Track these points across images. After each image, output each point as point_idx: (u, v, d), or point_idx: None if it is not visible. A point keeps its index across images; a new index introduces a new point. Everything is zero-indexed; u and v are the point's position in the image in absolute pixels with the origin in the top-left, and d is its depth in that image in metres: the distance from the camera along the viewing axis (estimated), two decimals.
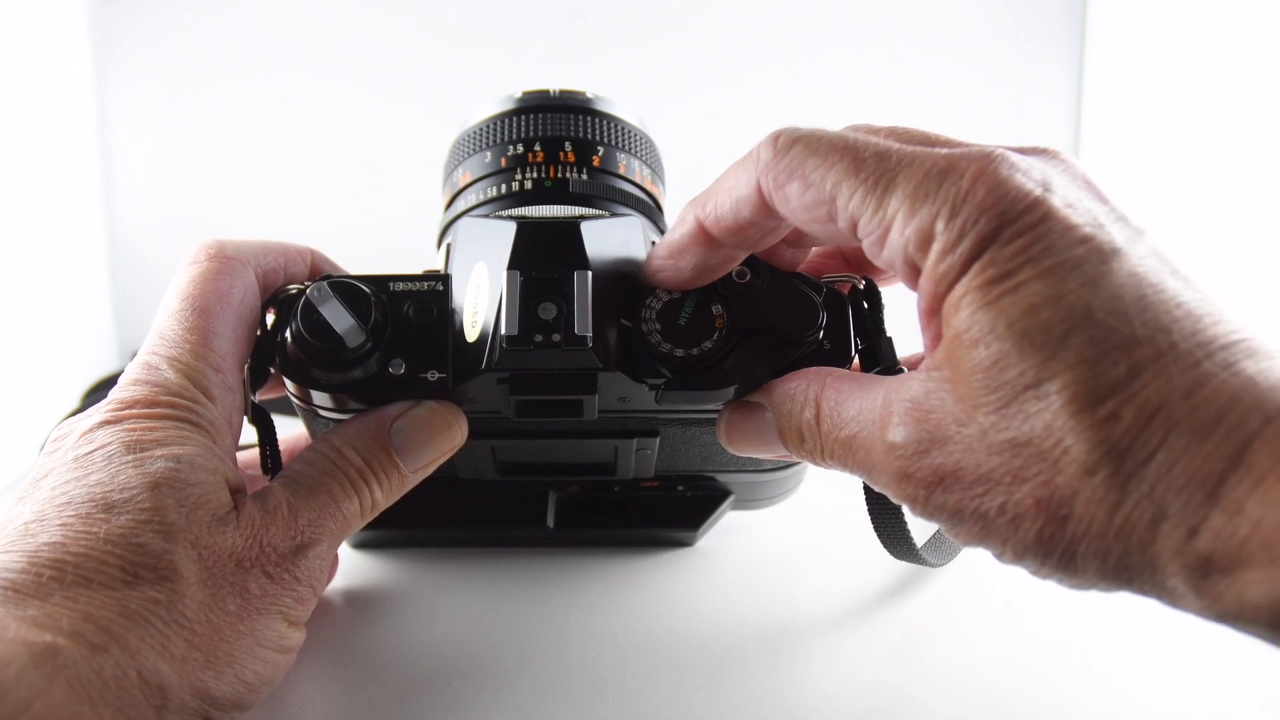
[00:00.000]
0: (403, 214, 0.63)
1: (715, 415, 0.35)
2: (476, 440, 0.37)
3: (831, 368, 0.32)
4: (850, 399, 0.30)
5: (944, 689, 0.36)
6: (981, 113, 0.69)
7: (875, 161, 0.28)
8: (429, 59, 0.69)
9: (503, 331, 0.32)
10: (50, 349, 0.63)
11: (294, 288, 0.35)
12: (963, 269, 0.26)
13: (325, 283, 0.33)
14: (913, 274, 0.28)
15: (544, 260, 0.33)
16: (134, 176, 0.71)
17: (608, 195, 0.39)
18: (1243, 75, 0.49)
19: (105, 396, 0.32)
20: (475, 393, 0.34)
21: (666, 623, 0.41)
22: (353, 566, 0.45)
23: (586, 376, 0.33)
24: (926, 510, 0.28)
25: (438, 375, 0.33)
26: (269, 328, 0.34)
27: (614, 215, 0.38)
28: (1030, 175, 0.27)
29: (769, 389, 0.33)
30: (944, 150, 0.28)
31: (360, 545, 0.46)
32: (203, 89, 0.70)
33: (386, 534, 0.46)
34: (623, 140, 0.41)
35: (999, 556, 0.27)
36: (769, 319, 0.33)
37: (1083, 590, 0.27)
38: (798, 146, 0.30)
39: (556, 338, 0.32)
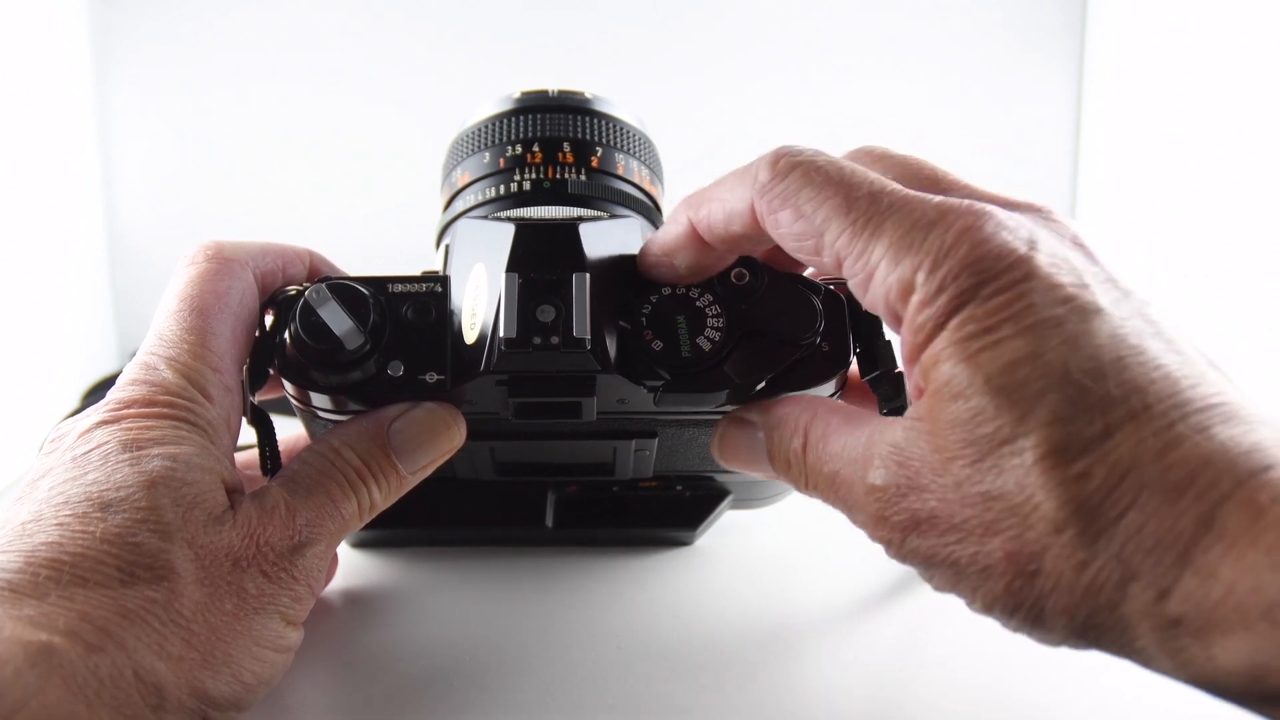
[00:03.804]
0: (402, 214, 0.63)
1: (714, 416, 0.35)
2: (475, 441, 0.37)
3: (825, 398, 0.33)
4: (836, 434, 0.30)
5: (945, 687, 0.36)
6: (982, 114, 0.69)
7: (867, 203, 0.29)
8: (428, 59, 0.69)
9: (501, 334, 0.32)
10: (50, 349, 0.63)
11: (292, 289, 0.35)
12: (941, 322, 0.27)
13: (324, 285, 0.33)
14: (895, 321, 0.29)
15: (542, 262, 0.33)
16: (134, 176, 0.71)
17: (606, 196, 0.39)
18: (1243, 76, 0.49)
19: (104, 397, 0.32)
20: (474, 394, 0.34)
21: (666, 623, 0.41)
22: (353, 566, 0.45)
23: (585, 379, 0.33)
24: (901, 553, 0.28)
25: (436, 377, 0.33)
26: (268, 329, 0.35)
27: (613, 216, 0.38)
28: (1017, 233, 0.27)
29: (765, 409, 0.33)
30: (936, 200, 0.28)
31: (360, 545, 0.46)
32: (202, 89, 0.70)
33: (386, 534, 0.46)
34: (621, 140, 0.41)
35: (970, 605, 0.28)
36: (767, 321, 0.33)
37: (1053, 646, 0.27)
38: (795, 174, 0.30)
39: (555, 340, 0.32)
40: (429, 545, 0.46)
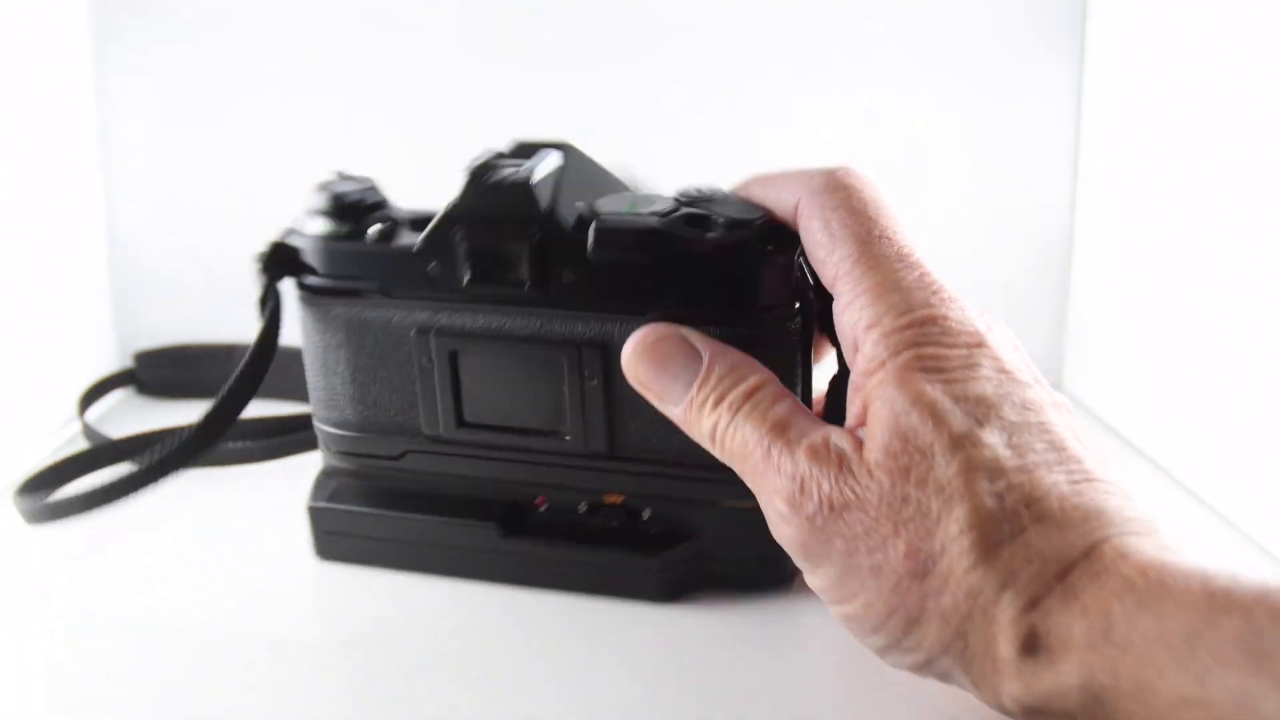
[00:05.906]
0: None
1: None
2: (438, 340, 0.40)
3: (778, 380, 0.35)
4: (780, 406, 0.33)
5: (946, 687, 0.36)
6: (982, 114, 0.69)
7: (879, 243, 0.33)
8: (432, 59, 0.69)
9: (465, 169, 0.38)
10: (50, 349, 0.63)
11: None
12: (896, 352, 0.31)
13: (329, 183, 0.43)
14: (854, 350, 0.32)
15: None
16: (134, 176, 0.71)
17: None
18: (1245, 75, 0.49)
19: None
20: (438, 258, 0.39)
21: (667, 621, 0.41)
22: (343, 575, 0.45)
23: (527, 219, 0.37)
24: (802, 535, 0.31)
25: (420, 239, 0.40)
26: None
27: None
28: (979, 319, 0.32)
29: (719, 346, 0.35)
30: (930, 271, 0.33)
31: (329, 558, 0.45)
32: (203, 89, 0.70)
33: (357, 546, 0.44)
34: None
35: (837, 607, 0.32)
36: (714, 209, 0.37)
37: (898, 666, 0.31)
38: (841, 193, 0.34)
39: (507, 173, 0.37)
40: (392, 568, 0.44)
